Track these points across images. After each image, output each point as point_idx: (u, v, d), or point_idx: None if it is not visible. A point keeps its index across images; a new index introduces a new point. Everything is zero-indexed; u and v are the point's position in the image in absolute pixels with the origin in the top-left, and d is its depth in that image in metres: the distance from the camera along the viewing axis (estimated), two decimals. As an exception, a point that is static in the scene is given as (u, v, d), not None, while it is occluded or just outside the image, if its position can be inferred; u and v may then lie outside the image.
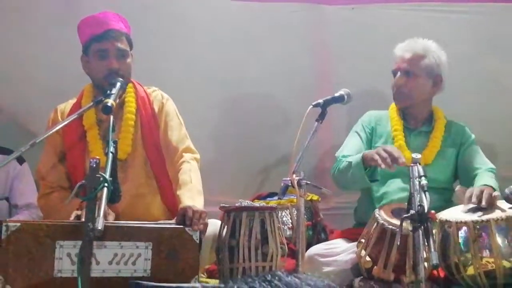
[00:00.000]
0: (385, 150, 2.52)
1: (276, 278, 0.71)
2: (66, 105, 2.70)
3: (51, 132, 2.32)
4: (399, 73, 2.87)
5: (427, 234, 2.04)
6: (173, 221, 2.25)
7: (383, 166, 2.49)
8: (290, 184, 2.30)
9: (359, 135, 2.93)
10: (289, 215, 2.88)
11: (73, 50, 3.43)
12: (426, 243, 2.03)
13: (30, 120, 3.52)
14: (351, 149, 2.85)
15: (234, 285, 0.71)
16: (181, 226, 2.14)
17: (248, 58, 3.56)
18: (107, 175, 1.94)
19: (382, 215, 2.42)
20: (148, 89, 2.71)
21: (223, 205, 2.38)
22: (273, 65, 3.59)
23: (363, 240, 2.47)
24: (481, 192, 2.45)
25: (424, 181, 2.13)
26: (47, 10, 3.48)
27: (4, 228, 1.94)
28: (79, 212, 2.32)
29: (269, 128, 3.62)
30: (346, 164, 2.72)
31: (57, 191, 2.59)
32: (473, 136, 2.95)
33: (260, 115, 3.64)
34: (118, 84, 2.43)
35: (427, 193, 2.10)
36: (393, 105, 2.98)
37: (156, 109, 2.65)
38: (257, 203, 2.54)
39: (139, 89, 2.67)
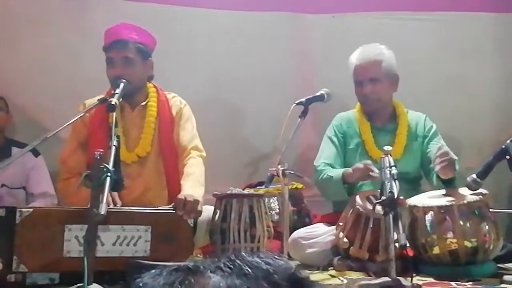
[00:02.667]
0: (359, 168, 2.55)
1: (239, 258, 0.70)
2: (93, 101, 2.69)
3: (61, 128, 2.30)
4: (364, 82, 2.81)
5: (396, 218, 2.05)
6: (171, 206, 2.26)
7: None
8: (275, 174, 2.30)
9: (332, 141, 2.89)
10: (276, 201, 2.87)
11: (83, 56, 3.45)
12: (395, 226, 2.04)
13: (45, 118, 3.50)
14: (327, 157, 2.84)
15: (201, 265, 0.70)
16: (176, 211, 2.14)
17: (237, 63, 3.56)
18: (110, 166, 1.94)
19: (358, 201, 2.42)
20: (168, 94, 2.75)
21: (216, 192, 2.38)
22: (260, 68, 3.59)
23: (341, 224, 2.46)
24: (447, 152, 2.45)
25: (394, 171, 2.13)
26: (62, 17, 3.47)
27: (18, 214, 1.93)
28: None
29: (257, 125, 3.62)
30: (327, 177, 2.74)
31: (75, 176, 2.60)
32: (434, 126, 2.92)
33: (248, 114, 3.64)
34: (121, 85, 2.44)
35: (396, 181, 2.11)
36: (358, 107, 2.94)
37: (174, 113, 2.70)
38: (246, 191, 2.53)
39: (161, 94, 2.71)
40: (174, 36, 3.48)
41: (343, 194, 2.67)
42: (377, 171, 2.45)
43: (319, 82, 3.33)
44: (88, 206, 1.93)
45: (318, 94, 2.59)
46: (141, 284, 0.68)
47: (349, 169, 2.64)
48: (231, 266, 0.67)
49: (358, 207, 2.40)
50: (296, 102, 2.49)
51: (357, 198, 2.44)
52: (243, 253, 0.71)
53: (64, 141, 2.85)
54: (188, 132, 2.68)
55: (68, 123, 2.35)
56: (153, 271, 0.70)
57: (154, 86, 2.72)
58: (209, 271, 0.67)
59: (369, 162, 2.58)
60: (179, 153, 2.64)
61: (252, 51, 3.58)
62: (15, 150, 3.33)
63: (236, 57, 3.55)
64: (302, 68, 3.67)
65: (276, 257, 0.71)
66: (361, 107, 2.91)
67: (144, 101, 2.67)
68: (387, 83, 2.84)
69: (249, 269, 0.67)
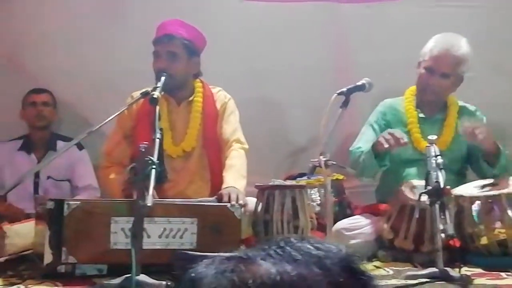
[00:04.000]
0: (388, 133, 2.47)
1: (289, 244, 0.68)
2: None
3: (108, 120, 2.34)
4: (435, 73, 2.69)
5: (443, 208, 2.00)
6: (214, 198, 2.26)
7: (386, 145, 2.44)
8: (317, 165, 2.26)
9: (373, 127, 2.81)
10: (317, 193, 2.83)
11: (123, 49, 3.46)
12: (442, 216, 1.98)
13: (87, 113, 3.54)
14: (365, 142, 2.75)
15: (251, 252, 0.68)
16: (224, 204, 2.13)
17: (274, 55, 3.52)
18: (154, 159, 1.94)
19: (402, 192, 2.37)
20: (213, 89, 2.75)
21: (258, 184, 2.36)
22: (297, 60, 3.54)
23: (385, 214, 2.41)
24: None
25: (439, 160, 2.07)
26: (101, 11, 3.48)
27: (66, 206, 1.94)
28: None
29: (295, 117, 3.58)
30: (358, 153, 2.68)
31: (115, 166, 2.64)
32: (484, 118, 2.82)
33: (286, 106, 3.60)
34: (163, 79, 2.45)
35: (442, 170, 2.05)
36: (407, 94, 2.85)
37: (219, 107, 2.70)
38: (288, 182, 2.50)
39: (207, 89, 2.71)
40: (210, 30, 3.47)
41: (373, 164, 2.59)
42: (405, 137, 2.38)
43: (356, 72, 3.27)
44: (133, 199, 1.95)
45: (359, 83, 2.52)
46: (193, 274, 0.67)
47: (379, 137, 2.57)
48: (281, 253, 0.65)
49: (402, 197, 2.34)
50: (337, 92, 2.43)
51: (402, 189, 2.38)
52: (292, 239, 0.69)
53: (107, 135, 2.88)
54: (231, 125, 2.68)
55: (113, 116, 2.37)
56: (205, 260, 0.69)
57: (201, 82, 2.72)
58: (259, 258, 0.65)
59: (397, 130, 2.52)
60: (222, 146, 2.64)
61: (289, 42, 3.52)
62: (60, 143, 3.38)
63: (273, 50, 3.51)
64: (339, 58, 3.60)
65: (328, 243, 0.69)
66: (416, 93, 2.81)
67: (190, 96, 2.67)
68: (454, 81, 2.73)
69: (299, 255, 0.65)
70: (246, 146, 2.66)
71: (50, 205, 1.94)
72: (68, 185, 3.36)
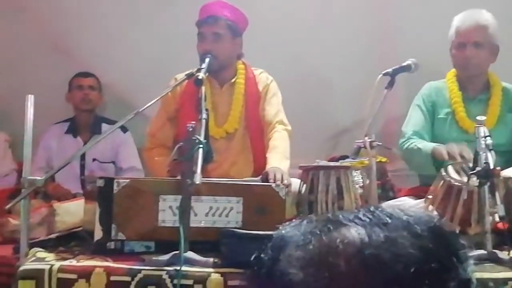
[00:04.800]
0: (458, 152, 2.41)
1: (379, 209, 0.68)
2: (183, 75, 2.73)
3: (153, 102, 2.35)
4: (468, 45, 2.65)
5: (493, 189, 1.95)
6: (259, 178, 2.26)
7: (446, 157, 2.43)
8: (362, 146, 2.24)
9: (421, 109, 2.78)
10: (360, 175, 2.80)
11: (170, 32, 3.48)
12: (492, 197, 1.94)
13: (133, 96, 3.58)
14: (415, 124, 2.74)
15: (340, 214, 0.68)
16: (269, 184, 2.13)
17: (316, 36, 3.49)
18: (201, 138, 1.95)
19: (448, 173, 2.32)
20: (256, 70, 2.75)
21: (302, 164, 2.35)
22: (339, 41, 3.50)
23: (430, 196, 2.36)
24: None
25: (489, 141, 2.03)
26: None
27: (115, 184, 1.97)
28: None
29: (337, 98, 3.55)
30: (415, 149, 2.64)
31: (159, 147, 2.69)
32: None
33: (328, 87, 3.57)
34: (207, 60, 2.46)
35: (492, 151, 2.00)
36: (449, 76, 2.81)
37: (261, 89, 2.70)
38: (332, 163, 2.48)
39: (249, 71, 2.72)
40: (256, 12, 3.45)
41: (431, 169, 2.56)
42: (471, 156, 2.34)
43: (398, 53, 3.21)
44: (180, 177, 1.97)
45: (405, 64, 2.48)
46: (283, 232, 0.67)
47: (440, 147, 2.52)
48: (370, 216, 0.65)
49: (449, 179, 2.29)
50: (383, 73, 2.40)
51: (449, 170, 2.33)
52: (381, 206, 0.69)
53: (151, 117, 2.91)
54: (274, 107, 2.67)
55: (159, 97, 2.39)
56: (294, 221, 0.70)
57: (243, 63, 2.72)
58: (348, 220, 0.65)
59: (464, 147, 2.45)
60: (264, 128, 2.65)
61: (333, 23, 3.49)
62: (105, 126, 3.45)
63: (316, 31, 3.48)
64: (382, 40, 3.54)
65: (415, 209, 0.68)
66: (457, 72, 2.76)
67: (233, 78, 2.68)
68: (489, 51, 2.68)
69: (388, 219, 0.64)
70: (289, 127, 2.67)
71: (100, 183, 1.97)
72: (112, 167, 3.43)
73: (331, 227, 0.65)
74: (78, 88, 3.41)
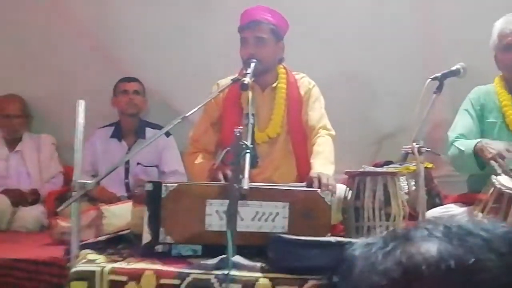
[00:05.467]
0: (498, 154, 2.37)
1: (454, 223, 0.65)
2: (226, 81, 2.74)
3: (197, 108, 2.36)
4: None
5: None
6: (304, 184, 2.25)
7: (489, 156, 2.38)
8: (410, 152, 2.21)
9: (469, 113, 2.71)
10: (405, 181, 2.76)
11: (211, 37, 3.51)
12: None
13: (174, 100, 3.63)
14: (462, 128, 2.67)
15: (411, 230, 0.65)
16: (314, 189, 2.12)
17: (360, 41, 3.46)
18: (248, 143, 1.96)
19: (499, 181, 2.27)
20: (297, 75, 2.74)
21: (348, 170, 2.33)
22: (382, 46, 3.46)
23: (479, 204, 2.32)
24: None
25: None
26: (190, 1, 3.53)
27: (164, 188, 1.99)
28: (220, 177, 2.35)
29: (380, 103, 3.52)
30: (457, 152, 2.59)
31: (201, 152, 2.69)
32: None
33: (371, 93, 3.54)
34: (252, 65, 2.46)
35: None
36: (497, 80, 2.75)
37: (303, 94, 2.69)
38: (379, 169, 2.46)
39: (290, 75, 2.71)
40: (299, 17, 3.45)
41: (475, 168, 2.50)
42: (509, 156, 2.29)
43: (444, 58, 3.16)
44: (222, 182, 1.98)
45: (454, 68, 2.44)
46: (354, 251, 0.65)
47: (483, 142, 2.47)
48: (445, 231, 0.62)
49: (499, 186, 2.24)
50: (431, 77, 2.36)
51: (499, 178, 2.28)
52: (456, 218, 0.66)
53: (193, 122, 2.93)
54: (317, 112, 2.66)
55: (204, 103, 2.40)
56: (360, 241, 0.67)
57: (284, 68, 2.72)
58: (423, 237, 0.62)
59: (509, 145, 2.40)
60: (307, 133, 2.64)
61: (377, 28, 3.45)
62: (148, 130, 3.50)
63: (360, 36, 3.45)
64: (426, 45, 3.49)
65: (489, 222, 0.65)
66: (505, 75, 2.71)
67: (274, 82, 2.67)
68: None
69: (467, 236, 0.61)
70: (333, 132, 2.64)
71: (149, 187, 2.00)
72: (156, 170, 3.47)
73: (408, 247, 0.62)
74: (123, 92, 3.47)
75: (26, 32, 3.58)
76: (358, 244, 0.66)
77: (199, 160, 2.65)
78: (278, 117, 2.65)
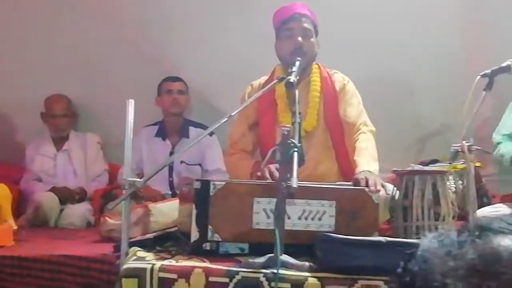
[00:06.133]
0: None
1: None
2: (260, 81, 2.75)
3: (244, 106, 2.36)
4: None
5: None
6: (350, 183, 2.23)
7: None
8: (459, 150, 2.16)
9: None
10: (452, 180, 2.70)
11: (250, 36, 3.51)
12: None
13: (216, 99, 3.65)
14: (509, 128, 2.64)
15: (486, 224, 0.64)
16: (362, 188, 2.10)
17: (402, 38, 3.41)
18: (296, 142, 1.94)
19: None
20: (330, 71, 2.71)
21: (396, 169, 2.29)
22: (424, 43, 3.40)
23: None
24: None
25: None
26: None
27: (212, 186, 2.00)
28: (259, 173, 2.34)
29: (423, 101, 3.46)
30: (499, 155, 2.57)
31: (239, 153, 2.69)
32: None
33: (415, 90, 3.48)
34: (297, 63, 2.44)
35: None
36: None
37: (338, 89, 2.65)
38: (428, 168, 2.41)
39: (323, 70, 2.68)
40: (333, 14, 3.42)
41: None
42: None
43: (488, 55, 3.08)
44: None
45: (504, 65, 2.37)
46: (425, 242, 0.65)
47: None
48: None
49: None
50: (481, 74, 2.31)
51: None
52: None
53: (231, 122, 2.92)
54: (355, 108, 2.62)
55: (247, 102, 2.38)
56: (434, 233, 0.67)
57: (316, 63, 2.69)
58: (500, 228, 0.62)
59: None
60: (347, 129, 2.60)
61: (418, 25, 3.39)
62: (191, 129, 3.53)
63: (401, 33, 3.39)
64: (469, 41, 3.41)
65: None
66: None
67: (307, 77, 2.64)
68: None
69: None
70: (374, 128, 2.60)
71: (197, 185, 2.00)
72: (199, 169, 3.50)
73: (486, 235, 0.62)
74: (167, 92, 3.50)
75: (73, 34, 3.65)
76: (428, 237, 0.65)
77: (240, 160, 2.65)
78: (313, 110, 2.61)
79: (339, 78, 2.67)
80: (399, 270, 0.65)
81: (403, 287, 0.65)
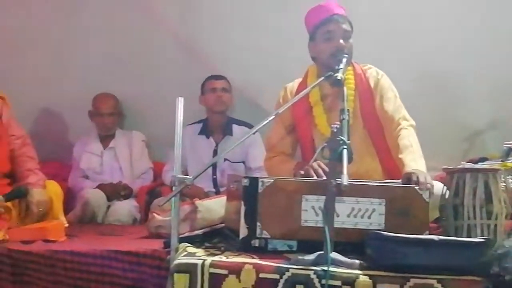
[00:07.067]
0: None
1: None
2: (294, 84, 2.73)
3: (286, 106, 2.32)
4: None
5: None
6: (399, 181, 2.20)
7: None
8: (512, 148, 2.11)
9: None
10: (503, 178, 2.64)
11: (291, 35, 3.49)
12: None
13: (258, 97, 3.65)
14: None
15: None
16: (412, 186, 2.07)
17: (450, 37, 3.34)
18: (345, 139, 1.93)
19: None
20: (364, 66, 2.65)
21: (446, 167, 2.24)
22: (471, 42, 3.33)
23: None
24: None
25: None
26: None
27: (260, 184, 2.00)
28: (302, 172, 2.32)
29: (471, 99, 3.39)
30: None
31: (279, 155, 2.68)
32: None
33: (462, 88, 3.41)
34: (344, 60, 2.43)
35: None
36: None
37: (372, 84, 2.59)
38: (479, 166, 2.35)
39: (356, 67, 2.63)
40: (376, 15, 3.38)
41: None
42: None
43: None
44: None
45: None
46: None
47: None
48: None
49: None
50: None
51: None
52: None
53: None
54: (392, 102, 2.54)
55: (292, 102, 2.35)
56: None
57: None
58: None
59: None
60: (386, 125, 2.53)
61: (467, 23, 3.32)
62: (234, 127, 3.55)
63: (449, 31, 3.33)
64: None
65: None
66: None
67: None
68: None
69: None
70: (413, 122, 2.51)
71: (246, 182, 2.01)
72: (242, 166, 3.51)
73: None
74: (211, 90, 3.53)
75: (121, 35, 3.71)
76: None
77: (281, 163, 2.63)
78: (348, 107, 2.55)
79: (373, 74, 2.61)
80: (494, 269, 0.63)
81: (501, 286, 0.63)
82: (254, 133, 3.27)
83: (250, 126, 3.55)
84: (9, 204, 2.77)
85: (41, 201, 2.78)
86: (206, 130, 3.58)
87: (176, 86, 3.53)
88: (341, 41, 2.48)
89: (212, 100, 3.51)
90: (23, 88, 3.76)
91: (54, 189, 2.91)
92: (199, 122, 3.62)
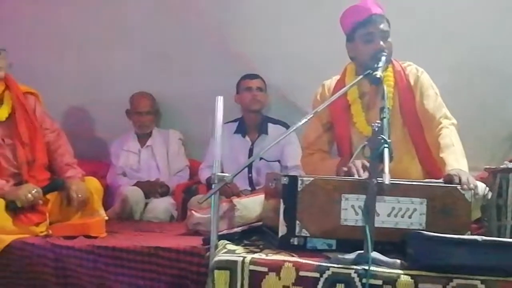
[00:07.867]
0: None
1: None
2: (331, 81, 2.71)
3: (325, 105, 2.30)
4: None
5: None
6: (441, 180, 2.17)
7: None
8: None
9: None
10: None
11: (327, 33, 3.46)
12: None
13: (293, 95, 3.65)
14: None
15: None
16: (454, 185, 2.04)
17: (497, 31, 3.27)
18: (386, 137, 1.91)
19: None
20: (403, 64, 2.61)
21: (488, 167, 2.20)
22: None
23: None
24: None
25: None
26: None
27: (300, 182, 2.00)
28: (345, 168, 2.31)
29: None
30: None
31: (317, 153, 2.66)
32: None
33: (503, 87, 3.34)
34: (383, 58, 2.40)
35: None
36: None
37: (412, 82, 2.55)
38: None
39: (396, 64, 2.59)
40: (418, 15, 3.33)
41: None
42: None
43: None
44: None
45: None
46: None
47: None
48: None
49: None
50: None
51: None
52: None
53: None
54: (432, 100, 2.50)
55: (331, 100, 2.33)
56: None
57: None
58: None
59: None
60: (426, 124, 2.49)
61: (507, 18, 3.25)
62: (270, 126, 3.56)
63: (497, 25, 3.25)
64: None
65: None
66: None
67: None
68: None
69: None
70: (455, 121, 2.48)
71: (285, 180, 2.01)
72: (278, 165, 3.52)
73: None
74: (247, 89, 3.54)
75: (157, 35, 3.76)
76: None
77: (321, 160, 2.62)
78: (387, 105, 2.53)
79: (413, 71, 2.56)
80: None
81: None
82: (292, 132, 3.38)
83: (285, 125, 3.56)
84: (47, 196, 2.83)
85: (80, 188, 2.82)
86: (241, 129, 3.60)
87: (212, 85, 3.56)
88: (382, 43, 2.44)
89: (248, 99, 3.53)
90: (62, 87, 3.85)
91: (94, 185, 2.96)
92: (234, 121, 3.64)
